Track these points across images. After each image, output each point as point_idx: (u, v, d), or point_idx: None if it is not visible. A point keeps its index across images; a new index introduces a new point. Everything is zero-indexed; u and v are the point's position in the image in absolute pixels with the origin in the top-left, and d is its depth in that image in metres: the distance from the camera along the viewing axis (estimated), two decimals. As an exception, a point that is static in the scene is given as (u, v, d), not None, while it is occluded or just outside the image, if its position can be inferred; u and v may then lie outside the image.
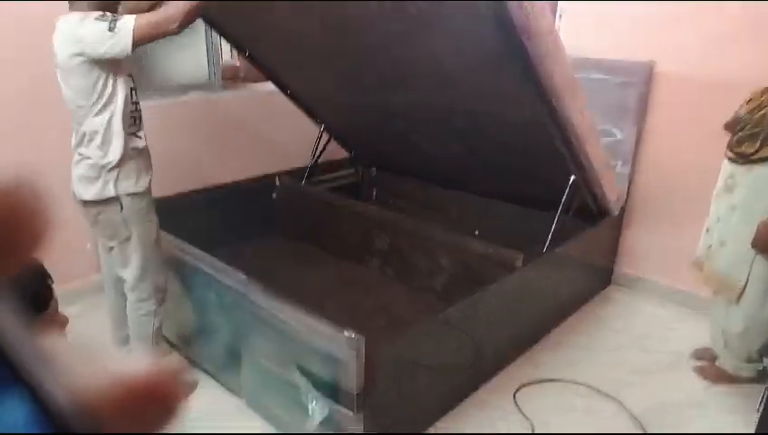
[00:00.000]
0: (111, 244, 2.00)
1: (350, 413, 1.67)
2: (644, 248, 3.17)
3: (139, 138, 1.93)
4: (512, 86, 2.16)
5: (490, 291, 2.25)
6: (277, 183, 3.39)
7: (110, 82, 1.82)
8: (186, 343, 2.40)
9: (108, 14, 1.74)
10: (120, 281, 2.10)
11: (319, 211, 3.25)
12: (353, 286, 2.95)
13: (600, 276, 3.24)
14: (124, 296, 2.11)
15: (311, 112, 3.37)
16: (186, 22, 1.74)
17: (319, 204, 3.25)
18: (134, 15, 1.73)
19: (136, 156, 1.92)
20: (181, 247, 2.21)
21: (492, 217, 3.29)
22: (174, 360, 2.45)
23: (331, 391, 1.70)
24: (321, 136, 3.43)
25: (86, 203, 1.93)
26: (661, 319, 2.93)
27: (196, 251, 2.15)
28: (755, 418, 2.07)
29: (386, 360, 1.79)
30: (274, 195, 3.40)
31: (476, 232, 3.40)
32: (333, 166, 3.68)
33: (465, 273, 2.66)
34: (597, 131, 2.55)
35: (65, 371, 0.22)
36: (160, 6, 1.86)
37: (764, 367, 2.36)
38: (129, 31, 1.70)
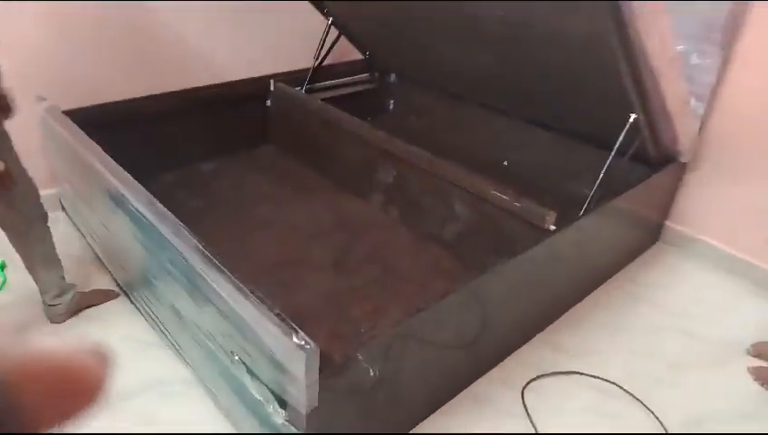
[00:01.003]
0: None
1: (296, 432, 1.29)
2: (705, 203, 2.59)
3: None
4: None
5: (513, 263, 1.76)
6: (272, 88, 2.84)
7: None
8: (132, 290, 2.02)
9: None
10: None
11: (316, 127, 2.72)
12: (348, 224, 2.49)
13: (648, 232, 2.69)
14: None
15: (316, 1, 2.74)
16: None
17: (316, 119, 2.70)
18: None
19: None
20: (124, 181, 1.75)
21: (527, 145, 2.73)
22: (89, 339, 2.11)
23: (279, 399, 1.31)
24: (329, 32, 2.81)
25: None
26: (715, 293, 2.43)
27: (145, 194, 1.67)
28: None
29: (352, 367, 1.37)
30: (268, 102, 2.87)
31: (505, 163, 2.88)
32: (343, 70, 3.08)
33: (483, 225, 2.17)
34: (678, 62, 1.92)
35: None
36: None
37: None
38: None
